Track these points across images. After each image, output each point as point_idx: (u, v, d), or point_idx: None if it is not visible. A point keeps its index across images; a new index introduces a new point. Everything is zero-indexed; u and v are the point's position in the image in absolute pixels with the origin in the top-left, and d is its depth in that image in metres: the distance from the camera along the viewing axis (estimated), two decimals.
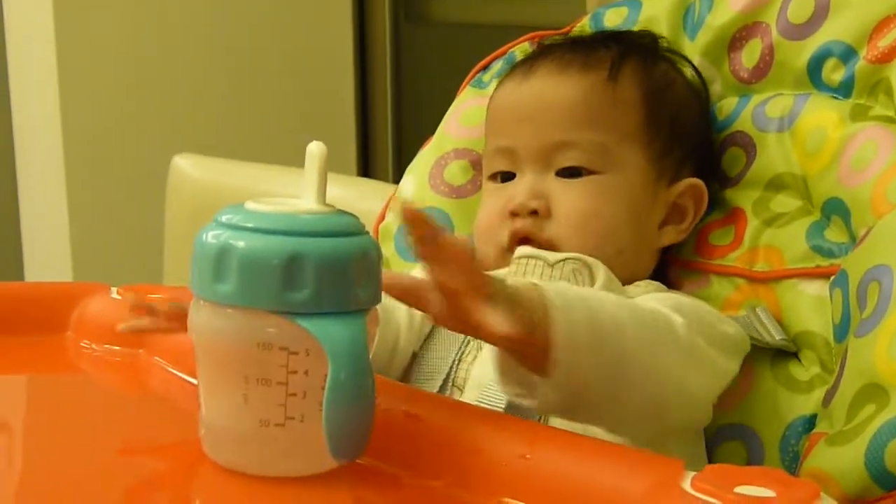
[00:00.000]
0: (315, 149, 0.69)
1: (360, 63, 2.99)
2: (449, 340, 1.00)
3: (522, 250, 1.00)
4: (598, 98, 1.05)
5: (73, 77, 2.50)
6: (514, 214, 1.03)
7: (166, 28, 2.64)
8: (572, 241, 1.01)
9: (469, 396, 0.93)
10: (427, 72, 3.00)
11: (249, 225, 0.67)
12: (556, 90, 1.07)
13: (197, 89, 2.68)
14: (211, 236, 0.68)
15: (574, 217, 1.02)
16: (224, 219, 0.68)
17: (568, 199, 1.03)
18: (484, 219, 1.08)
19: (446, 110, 1.30)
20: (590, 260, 0.98)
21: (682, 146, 1.09)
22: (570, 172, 1.04)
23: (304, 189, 0.69)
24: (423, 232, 0.69)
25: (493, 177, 1.09)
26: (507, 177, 1.07)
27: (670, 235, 1.08)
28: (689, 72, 1.15)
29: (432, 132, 1.29)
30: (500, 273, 1.00)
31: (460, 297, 0.70)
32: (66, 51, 2.48)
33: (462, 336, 0.99)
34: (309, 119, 2.85)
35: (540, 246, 1.01)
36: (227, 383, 0.70)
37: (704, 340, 0.89)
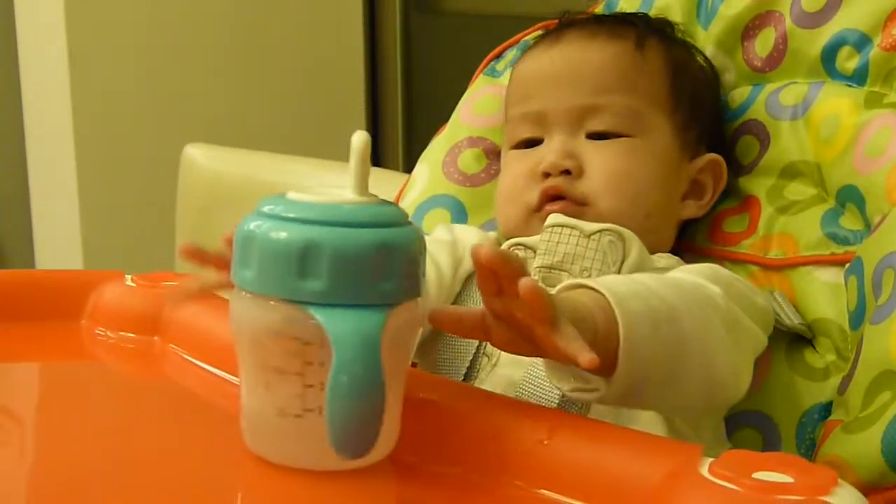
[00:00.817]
0: (355, 139, 0.68)
1: (370, 53, 2.99)
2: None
3: (555, 218, 0.99)
4: (627, 63, 1.06)
5: (85, 65, 2.50)
6: (545, 174, 1.03)
7: (178, 17, 2.63)
8: (605, 199, 1.01)
9: (504, 372, 0.93)
10: (437, 62, 2.99)
11: (273, 213, 0.67)
12: (585, 54, 1.07)
13: (207, 79, 2.68)
14: (242, 224, 0.67)
15: (607, 176, 1.02)
16: (263, 208, 0.68)
17: (600, 159, 1.02)
18: (509, 182, 1.07)
19: (457, 100, 1.30)
20: (625, 232, 0.98)
21: (700, 123, 1.09)
22: (600, 136, 1.04)
23: (348, 179, 0.69)
24: (504, 272, 0.68)
25: (517, 145, 1.08)
26: (533, 143, 1.07)
27: (691, 209, 1.08)
28: (700, 58, 1.15)
29: (442, 122, 1.29)
30: (532, 241, 1.00)
31: (527, 326, 0.69)
32: (78, 39, 2.48)
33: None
34: (319, 108, 2.85)
35: (574, 202, 1.01)
36: (252, 370, 0.69)
37: (742, 310, 0.89)
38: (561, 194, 1.02)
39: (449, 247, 1.03)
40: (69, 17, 2.45)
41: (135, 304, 0.97)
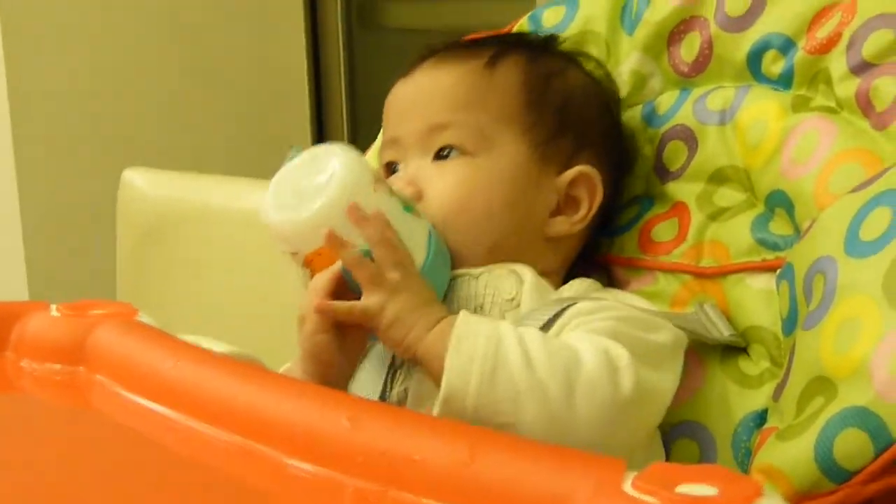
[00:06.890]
0: None
1: (313, 69, 2.98)
2: (377, 363, 0.99)
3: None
4: (474, 81, 1.06)
5: (22, 89, 2.48)
6: None
7: (117, 37, 2.61)
8: (446, 229, 1.01)
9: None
10: (381, 77, 2.98)
11: None
12: (433, 79, 1.08)
13: (147, 99, 2.66)
14: None
15: (446, 205, 1.02)
16: None
17: (439, 184, 1.03)
18: None
19: None
20: (515, 266, 0.99)
21: (574, 135, 1.08)
22: (444, 153, 1.04)
23: None
24: None
25: (385, 169, 1.09)
26: (395, 168, 1.08)
27: (562, 226, 1.06)
28: (592, 66, 1.15)
29: None
30: None
31: None
32: (15, 62, 2.46)
33: (390, 358, 0.98)
34: (263, 127, 2.84)
35: None
36: None
37: (650, 368, 0.87)
38: None
39: None
40: (5, 38, 2.43)
41: (59, 335, 0.95)
